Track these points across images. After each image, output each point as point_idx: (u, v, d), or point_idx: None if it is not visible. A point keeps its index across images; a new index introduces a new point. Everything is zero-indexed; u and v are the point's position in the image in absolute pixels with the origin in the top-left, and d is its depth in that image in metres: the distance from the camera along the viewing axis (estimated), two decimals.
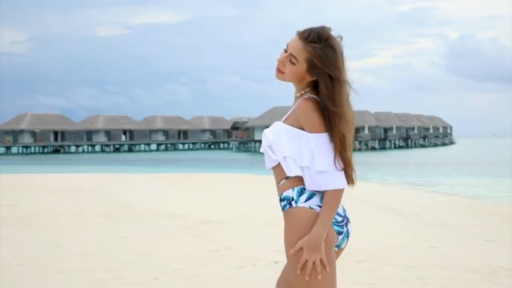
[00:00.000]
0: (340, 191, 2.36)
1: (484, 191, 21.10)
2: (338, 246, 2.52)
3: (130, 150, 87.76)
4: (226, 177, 21.06)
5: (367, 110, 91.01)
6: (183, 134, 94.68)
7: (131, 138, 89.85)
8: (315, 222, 2.34)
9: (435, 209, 13.82)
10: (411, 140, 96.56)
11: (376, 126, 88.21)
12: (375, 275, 5.65)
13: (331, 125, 2.35)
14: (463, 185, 23.48)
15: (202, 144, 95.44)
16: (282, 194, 2.39)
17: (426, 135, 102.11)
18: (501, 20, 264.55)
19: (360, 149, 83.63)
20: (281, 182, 2.41)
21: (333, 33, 2.42)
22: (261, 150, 2.48)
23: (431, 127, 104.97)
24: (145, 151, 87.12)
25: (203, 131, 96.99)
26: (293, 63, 2.39)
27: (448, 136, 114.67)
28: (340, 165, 2.39)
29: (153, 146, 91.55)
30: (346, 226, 2.51)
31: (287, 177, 2.40)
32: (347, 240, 2.54)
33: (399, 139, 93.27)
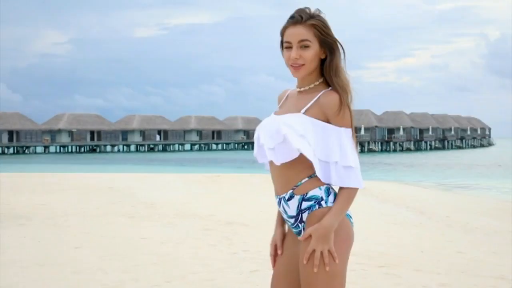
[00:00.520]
0: (357, 190, 2.29)
1: None
2: None
3: (164, 150, 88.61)
4: (255, 177, 20.99)
5: (402, 111, 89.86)
6: (217, 134, 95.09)
7: (166, 138, 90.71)
8: (345, 223, 2.30)
9: (468, 213, 13.46)
10: (448, 142, 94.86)
11: (412, 127, 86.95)
12: (394, 281, 5.47)
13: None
14: (500, 188, 22.84)
15: (236, 144, 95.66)
16: (306, 193, 2.27)
17: (463, 136, 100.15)
18: None
19: (394, 150, 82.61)
20: (304, 180, 2.29)
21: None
22: (276, 141, 2.28)
23: (468, 129, 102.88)
24: (179, 151, 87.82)
25: (237, 131, 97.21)
26: (308, 46, 2.30)
27: (487, 137, 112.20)
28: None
29: (187, 146, 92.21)
30: (301, 222, 2.40)
31: (311, 176, 2.29)
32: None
33: (435, 140, 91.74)
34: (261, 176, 22.21)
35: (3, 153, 76.02)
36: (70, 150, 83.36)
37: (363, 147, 79.70)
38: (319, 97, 2.30)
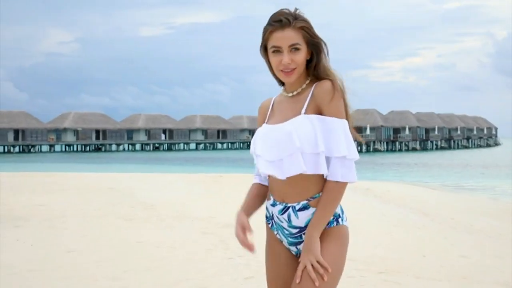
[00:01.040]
0: (346, 185, 2.22)
1: None
2: (298, 252, 2.32)
3: (169, 149, 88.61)
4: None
5: (408, 110, 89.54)
6: (222, 133, 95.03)
7: (171, 137, 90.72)
8: (342, 230, 2.26)
9: (473, 214, 13.26)
10: (454, 141, 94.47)
11: (418, 127, 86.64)
12: None
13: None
14: (507, 189, 22.59)
15: (241, 144, 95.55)
16: None
17: (469, 136, 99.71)
18: None
19: (400, 150, 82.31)
20: (322, 193, 2.21)
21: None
22: (284, 153, 2.19)
23: (475, 128, 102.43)
24: (184, 150, 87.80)
25: (242, 130, 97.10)
26: (298, 49, 2.23)
27: (493, 137, 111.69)
28: None
29: (192, 145, 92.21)
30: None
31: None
32: None
33: (441, 140, 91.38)
34: None
35: (8, 152, 76.23)
36: (75, 149, 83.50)
37: (368, 146, 79.43)
38: (312, 91, 2.24)
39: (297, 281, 2.14)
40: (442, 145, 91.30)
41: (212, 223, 8.98)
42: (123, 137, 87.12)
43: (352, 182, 2.20)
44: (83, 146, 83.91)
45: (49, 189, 14.60)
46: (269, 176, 2.32)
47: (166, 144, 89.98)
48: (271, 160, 2.23)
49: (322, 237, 2.19)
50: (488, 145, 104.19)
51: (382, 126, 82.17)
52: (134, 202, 11.81)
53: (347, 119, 2.23)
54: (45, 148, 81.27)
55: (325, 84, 2.22)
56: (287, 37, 2.20)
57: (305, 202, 2.23)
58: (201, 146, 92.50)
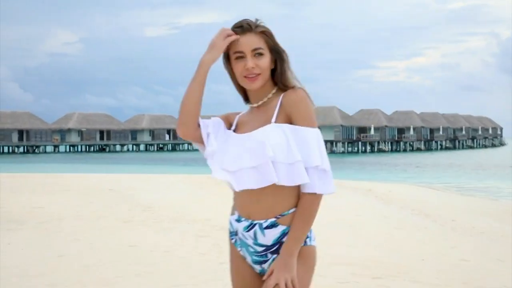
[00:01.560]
0: (321, 197, 2.10)
1: None
2: (263, 271, 2.18)
3: (173, 149, 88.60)
4: None
5: (413, 110, 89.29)
6: None
7: (175, 137, 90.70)
8: (311, 250, 2.14)
9: (475, 216, 13.12)
10: (459, 141, 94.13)
11: (422, 127, 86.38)
12: None
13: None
14: None
15: None
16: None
17: (474, 136, 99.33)
18: None
19: (405, 150, 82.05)
20: (291, 211, 2.09)
21: None
22: (254, 162, 2.06)
23: (479, 128, 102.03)
24: (188, 150, 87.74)
25: None
26: (262, 54, 2.13)
27: (498, 137, 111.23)
28: None
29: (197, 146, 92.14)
30: (276, 253, 2.13)
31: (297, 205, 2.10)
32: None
33: (446, 140, 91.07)
34: None
35: (13, 152, 76.38)
36: (79, 149, 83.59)
37: (372, 147, 79.21)
38: (281, 101, 2.13)
39: None
40: (447, 145, 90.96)
41: (208, 226, 8.88)
42: (127, 138, 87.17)
43: (330, 193, 2.09)
44: (87, 147, 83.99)
45: (49, 190, 14.53)
46: (234, 191, 2.18)
47: (170, 145, 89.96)
48: (232, 170, 2.10)
49: None
50: (494, 145, 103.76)
51: (386, 126, 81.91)
52: (131, 204, 11.72)
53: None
54: (49, 148, 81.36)
55: (296, 93, 2.11)
56: (249, 41, 2.12)
57: (273, 219, 2.09)
58: None
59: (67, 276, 5.34)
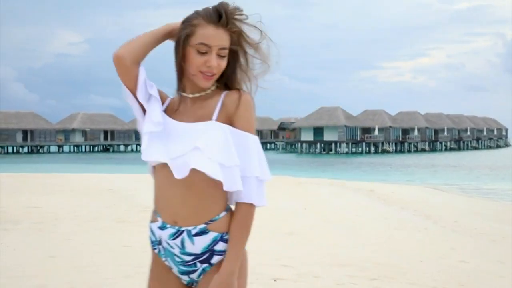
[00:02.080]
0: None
1: None
2: (191, 281, 2.01)
3: None
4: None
5: (417, 111, 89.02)
6: None
7: None
8: (245, 256, 1.97)
9: (477, 217, 12.98)
10: (464, 142, 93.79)
11: (426, 128, 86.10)
12: None
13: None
14: None
15: None
16: (226, 232, 1.91)
17: (479, 137, 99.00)
18: None
19: (409, 151, 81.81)
20: (222, 215, 1.91)
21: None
22: (185, 151, 1.88)
23: (484, 129, 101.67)
24: None
25: None
26: (224, 56, 1.96)
27: (503, 138, 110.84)
28: None
29: None
30: (206, 262, 1.94)
31: (227, 209, 1.94)
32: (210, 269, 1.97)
33: (450, 140, 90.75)
34: (275, 178, 21.80)
35: (17, 152, 76.57)
36: (83, 149, 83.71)
37: (377, 147, 79.00)
38: (223, 100, 1.96)
39: None
40: (452, 146, 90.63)
41: None
42: (131, 138, 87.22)
43: (263, 206, 1.92)
44: (91, 147, 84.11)
45: (49, 190, 14.48)
46: (158, 191, 1.96)
47: None
48: (174, 157, 1.89)
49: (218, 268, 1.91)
50: (498, 146, 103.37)
51: (390, 126, 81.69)
52: (129, 204, 11.64)
53: None
54: (53, 148, 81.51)
55: (243, 96, 1.96)
56: (219, 38, 1.92)
57: (203, 226, 1.90)
58: None
59: (56, 278, 5.24)
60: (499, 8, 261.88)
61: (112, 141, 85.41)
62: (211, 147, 1.86)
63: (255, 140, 1.94)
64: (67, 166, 40.70)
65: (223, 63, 1.95)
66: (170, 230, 1.92)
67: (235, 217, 1.91)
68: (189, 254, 1.92)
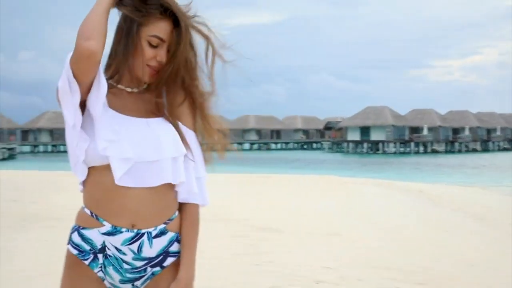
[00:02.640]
0: None
1: None
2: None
3: None
4: (306, 179, 20.39)
5: (468, 110, 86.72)
6: (276, 133, 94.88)
7: None
8: None
9: None
10: None
11: (478, 127, 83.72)
12: None
13: None
14: None
15: (295, 144, 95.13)
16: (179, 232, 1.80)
17: None
18: None
19: (460, 151, 79.77)
20: (176, 213, 1.79)
21: None
22: (159, 156, 1.73)
23: None
24: (237, 150, 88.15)
25: (296, 130, 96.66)
26: (168, 51, 1.81)
27: None
28: None
29: (246, 145, 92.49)
30: (157, 266, 1.77)
31: (179, 208, 1.82)
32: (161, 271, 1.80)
33: (503, 140, 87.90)
34: (312, 178, 21.57)
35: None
36: None
37: (426, 147, 77.31)
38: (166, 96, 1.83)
39: None
40: (505, 146, 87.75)
41: (245, 226, 8.66)
42: None
43: (205, 206, 1.85)
44: None
45: None
46: (102, 194, 1.71)
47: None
48: (144, 160, 1.71)
49: (173, 271, 1.78)
50: None
51: (440, 126, 79.79)
52: None
53: None
54: None
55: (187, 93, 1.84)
56: (170, 34, 1.77)
57: (162, 226, 1.74)
58: (255, 146, 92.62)
59: None
60: None
61: None
62: (181, 150, 1.77)
63: (197, 139, 1.85)
64: None
65: (165, 59, 1.79)
66: (126, 235, 1.71)
67: (187, 219, 1.79)
68: (143, 259, 1.74)
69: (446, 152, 78.23)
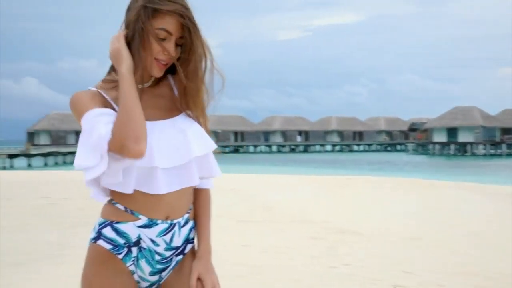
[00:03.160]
0: None
1: None
2: (153, 283, 1.85)
3: (305, 150, 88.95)
4: (389, 181, 19.92)
5: None
6: (358, 135, 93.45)
7: (307, 138, 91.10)
8: None
9: None
10: None
11: None
12: None
13: None
14: None
15: (378, 146, 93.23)
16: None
17: None
18: None
19: None
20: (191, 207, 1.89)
21: None
22: (188, 157, 1.78)
23: None
24: (319, 152, 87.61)
25: (379, 132, 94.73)
26: (180, 45, 1.82)
27: None
28: None
29: (328, 147, 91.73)
30: (181, 254, 1.85)
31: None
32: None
33: None
34: (396, 180, 21.03)
35: None
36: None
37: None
38: (177, 88, 1.85)
39: None
40: None
41: (325, 228, 8.58)
42: (259, 139, 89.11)
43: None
44: (222, 147, 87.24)
45: None
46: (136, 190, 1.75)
47: (302, 146, 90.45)
48: (173, 165, 1.75)
49: (190, 258, 1.86)
50: None
51: None
52: (253, 204, 11.76)
53: None
54: None
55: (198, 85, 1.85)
56: (178, 26, 1.76)
57: (186, 215, 1.84)
58: (337, 147, 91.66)
59: None
60: None
61: (242, 142, 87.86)
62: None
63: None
64: None
65: (178, 53, 1.79)
66: (162, 226, 1.77)
67: (204, 202, 1.90)
68: (172, 249, 1.81)
69: None
